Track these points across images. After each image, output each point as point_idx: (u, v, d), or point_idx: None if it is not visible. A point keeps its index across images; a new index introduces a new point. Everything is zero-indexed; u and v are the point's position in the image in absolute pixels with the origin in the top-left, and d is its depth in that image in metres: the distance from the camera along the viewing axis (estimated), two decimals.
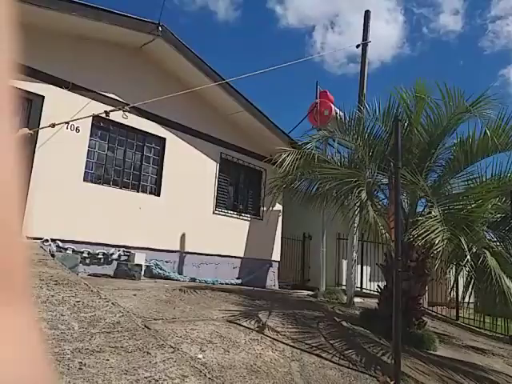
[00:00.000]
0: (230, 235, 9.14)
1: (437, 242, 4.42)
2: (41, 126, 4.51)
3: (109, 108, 7.18)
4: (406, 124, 6.19)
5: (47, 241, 6.17)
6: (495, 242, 5.72)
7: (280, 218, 10.49)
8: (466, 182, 6.06)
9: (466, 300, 6.10)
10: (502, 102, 5.76)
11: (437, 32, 45.13)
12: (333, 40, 46.53)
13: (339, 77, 41.63)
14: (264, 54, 38.39)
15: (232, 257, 9.19)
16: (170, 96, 4.85)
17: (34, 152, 6.18)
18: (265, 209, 10.12)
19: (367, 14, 8.97)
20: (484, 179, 5.83)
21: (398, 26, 48.44)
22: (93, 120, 6.99)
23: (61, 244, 6.39)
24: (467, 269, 4.83)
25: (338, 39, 47.00)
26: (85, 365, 2.57)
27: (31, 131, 4.86)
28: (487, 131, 5.57)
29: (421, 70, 36.97)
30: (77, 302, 3.72)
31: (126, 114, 7.46)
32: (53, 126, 4.18)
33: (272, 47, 39.91)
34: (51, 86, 6.49)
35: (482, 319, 7.39)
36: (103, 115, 4.77)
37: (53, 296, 3.56)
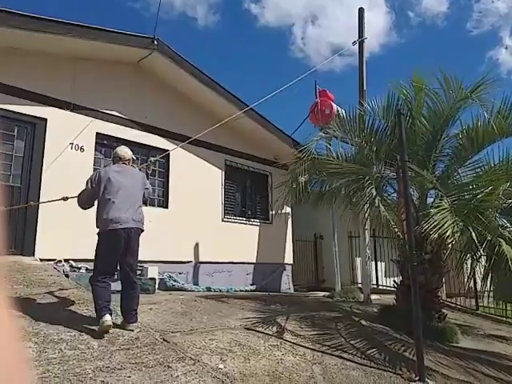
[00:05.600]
0: (240, 242, 9.12)
1: (448, 234, 4.36)
2: (53, 199, 4.82)
3: (111, 125, 7.26)
4: (408, 116, 6.14)
5: (60, 261, 6.19)
6: (509, 228, 5.63)
7: (290, 221, 10.45)
8: (475, 170, 5.98)
9: (485, 289, 6.00)
10: (499, 85, 5.70)
11: (422, 16, 44.22)
12: (314, 34, 46.17)
13: (324, 73, 41.27)
14: (249, 53, 38.09)
15: (245, 263, 9.16)
16: (206, 131, 5.16)
17: (41, 174, 6.24)
18: (274, 212, 10.09)
19: (361, 11, 9.04)
20: (492, 165, 5.75)
21: (381, 12, 47.59)
22: (96, 138, 7.04)
23: (74, 264, 6.41)
24: (483, 258, 4.75)
25: (318, 32, 46.57)
26: (107, 383, 2.56)
27: (33, 203, 5.32)
28: (486, 116, 5.52)
29: (412, 58, 36.58)
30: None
31: (127, 128, 7.52)
32: (65, 199, 4.50)
33: (255, 47, 39.65)
34: (53, 108, 6.56)
35: (502, 307, 7.28)
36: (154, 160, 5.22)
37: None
